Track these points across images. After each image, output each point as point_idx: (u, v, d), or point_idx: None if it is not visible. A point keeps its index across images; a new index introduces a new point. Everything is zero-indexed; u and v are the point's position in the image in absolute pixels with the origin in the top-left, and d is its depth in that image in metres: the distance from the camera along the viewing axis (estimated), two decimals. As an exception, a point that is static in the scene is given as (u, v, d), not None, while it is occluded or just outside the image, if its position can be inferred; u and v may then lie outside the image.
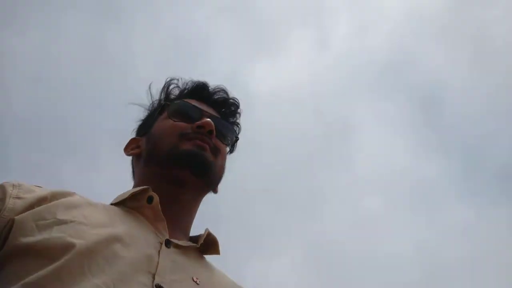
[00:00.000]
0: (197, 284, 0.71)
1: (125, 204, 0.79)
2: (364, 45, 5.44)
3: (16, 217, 0.64)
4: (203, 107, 0.93)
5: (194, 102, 0.93)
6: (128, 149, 0.95)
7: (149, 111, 0.99)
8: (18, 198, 0.67)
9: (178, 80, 0.99)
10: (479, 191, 5.40)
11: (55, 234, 0.62)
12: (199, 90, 0.98)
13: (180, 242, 0.76)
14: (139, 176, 0.90)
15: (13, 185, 0.69)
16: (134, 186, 0.87)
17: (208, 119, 0.87)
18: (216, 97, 0.98)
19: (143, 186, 0.81)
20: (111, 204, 0.80)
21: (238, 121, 1.01)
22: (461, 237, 4.85)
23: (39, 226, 0.64)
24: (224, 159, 0.92)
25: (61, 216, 0.66)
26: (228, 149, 0.96)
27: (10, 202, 0.66)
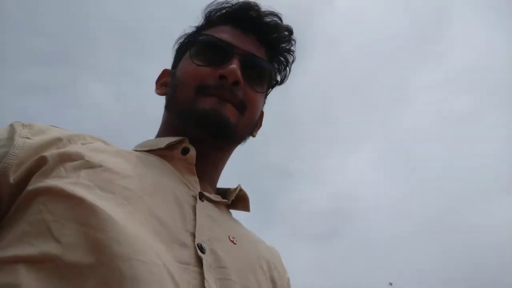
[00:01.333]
0: (234, 244, 0.65)
1: (154, 151, 0.71)
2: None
3: (46, 154, 0.56)
4: (238, 38, 0.78)
5: (227, 33, 0.78)
6: (158, 83, 0.86)
7: (184, 39, 0.86)
8: (28, 138, 0.59)
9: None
10: None
11: (83, 180, 0.53)
12: (238, 14, 0.80)
13: (212, 196, 0.71)
14: (164, 118, 0.82)
15: (23, 125, 0.61)
16: (160, 128, 0.81)
17: (233, 67, 0.72)
18: (259, 22, 0.80)
19: (166, 131, 0.76)
20: (137, 150, 0.72)
21: (290, 47, 0.85)
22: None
23: (66, 168, 0.55)
24: (255, 111, 0.79)
25: (89, 157, 0.57)
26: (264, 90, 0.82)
27: (19, 141, 0.57)
